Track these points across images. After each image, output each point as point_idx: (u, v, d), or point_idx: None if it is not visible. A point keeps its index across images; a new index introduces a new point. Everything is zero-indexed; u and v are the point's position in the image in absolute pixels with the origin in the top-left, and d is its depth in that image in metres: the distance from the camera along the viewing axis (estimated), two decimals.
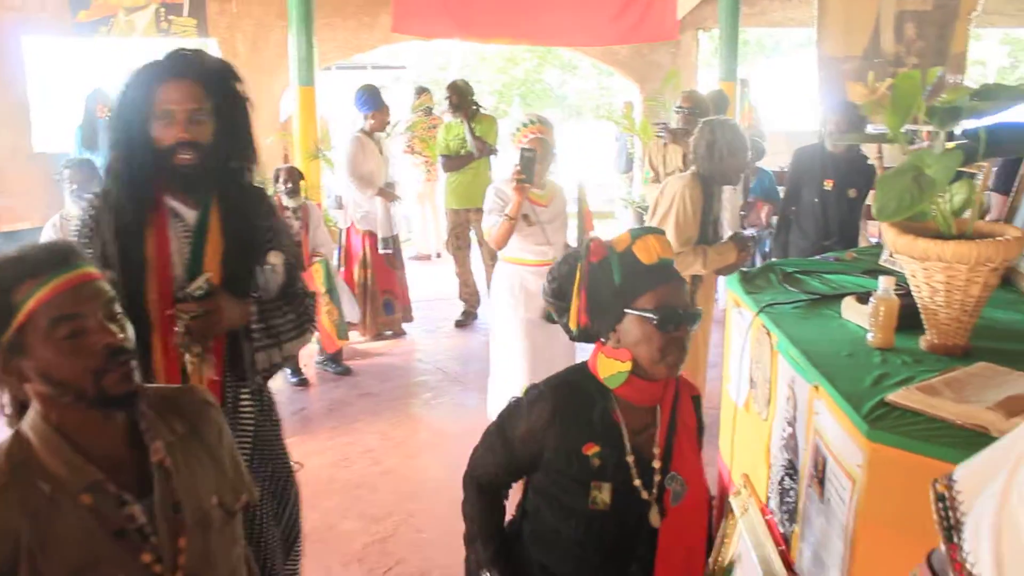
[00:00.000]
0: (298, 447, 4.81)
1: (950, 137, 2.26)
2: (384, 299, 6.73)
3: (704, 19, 10.36)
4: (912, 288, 2.20)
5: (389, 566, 3.69)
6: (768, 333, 2.53)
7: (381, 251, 6.55)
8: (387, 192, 6.50)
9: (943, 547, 1.06)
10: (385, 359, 6.54)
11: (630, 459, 1.91)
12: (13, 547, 1.37)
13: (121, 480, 1.46)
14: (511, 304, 4.29)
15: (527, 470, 2.01)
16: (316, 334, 5.96)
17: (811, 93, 8.07)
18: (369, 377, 6.08)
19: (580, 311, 1.94)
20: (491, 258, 6.40)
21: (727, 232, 4.50)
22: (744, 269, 3.46)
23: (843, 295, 2.64)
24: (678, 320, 1.86)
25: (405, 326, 6.99)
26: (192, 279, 2.23)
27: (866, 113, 5.06)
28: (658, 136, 6.91)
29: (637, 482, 1.90)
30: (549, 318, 4.24)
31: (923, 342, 2.24)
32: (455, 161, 7.17)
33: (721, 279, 4.44)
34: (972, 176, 2.57)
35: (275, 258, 2.39)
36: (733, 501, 2.71)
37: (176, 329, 2.18)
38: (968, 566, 0.99)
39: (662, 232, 1.97)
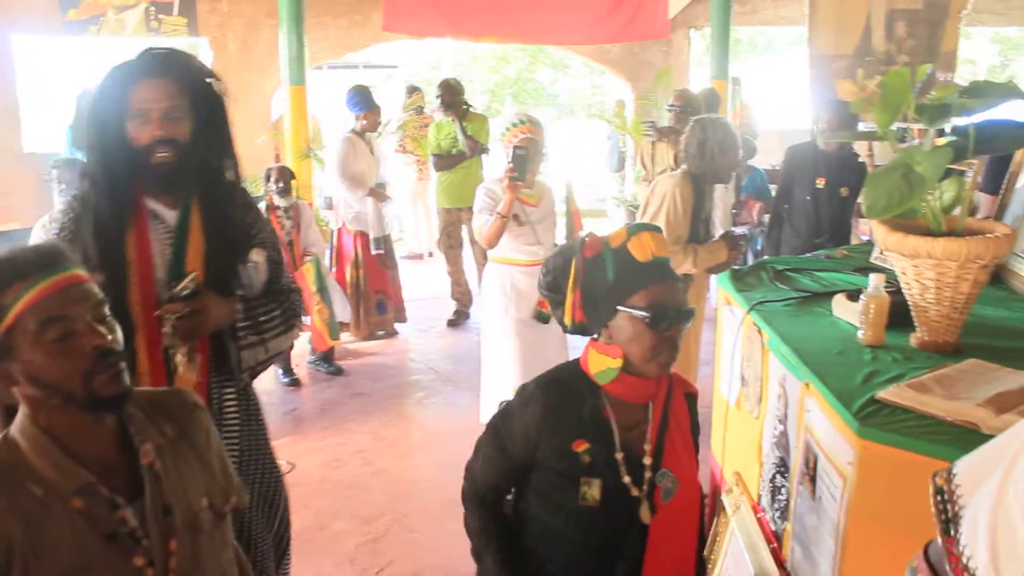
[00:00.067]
0: (290, 447, 4.81)
1: (940, 134, 2.27)
2: (376, 299, 6.72)
3: (696, 17, 10.37)
4: (902, 285, 2.20)
5: (381, 566, 3.68)
6: (759, 331, 2.53)
7: (373, 251, 6.54)
8: (378, 192, 6.49)
9: (940, 540, 1.06)
10: (377, 359, 6.53)
11: (619, 456, 1.90)
12: (6, 551, 1.36)
13: (112, 483, 1.45)
14: (502, 304, 4.28)
15: (526, 471, 2.00)
16: (308, 334, 5.98)
17: (803, 92, 8.07)
18: (361, 377, 6.07)
19: (575, 307, 1.93)
20: (483, 257, 6.39)
21: (719, 230, 4.50)
22: (735, 267, 3.47)
23: (834, 293, 2.64)
24: (670, 319, 1.85)
25: (397, 326, 6.98)
26: (174, 280, 2.21)
27: (856, 111, 5.06)
28: (645, 135, 6.91)
29: (626, 479, 1.90)
30: (540, 318, 4.27)
31: (913, 339, 2.24)
32: (447, 160, 7.16)
33: (713, 277, 4.45)
34: (962, 173, 2.57)
35: (257, 255, 2.37)
36: (725, 499, 2.71)
37: (164, 330, 2.16)
38: (964, 559, 1.00)
39: (659, 229, 1.96)
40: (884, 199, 2.06)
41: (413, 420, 5.39)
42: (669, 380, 2.02)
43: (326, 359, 6.13)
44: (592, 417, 1.92)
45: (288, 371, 5.91)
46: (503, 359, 4.29)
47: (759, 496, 2.51)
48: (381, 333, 6.89)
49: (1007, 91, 2.19)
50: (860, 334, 2.27)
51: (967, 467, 1.07)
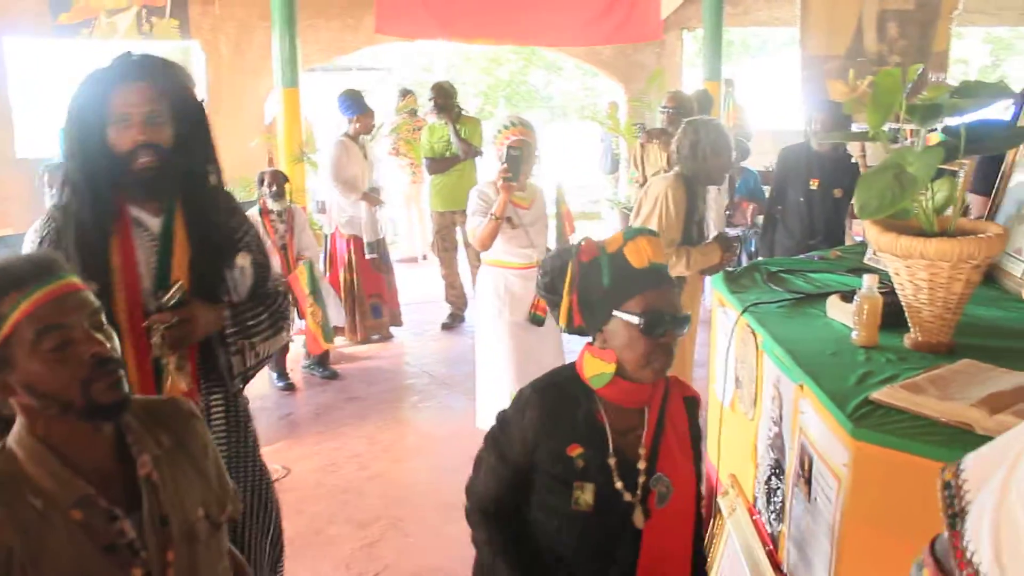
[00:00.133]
0: (285, 452, 4.80)
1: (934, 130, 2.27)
2: (371, 303, 6.71)
3: (688, 19, 10.39)
4: (896, 286, 2.20)
5: (377, 571, 3.68)
6: (753, 332, 2.53)
7: (367, 256, 6.53)
8: (371, 197, 6.48)
9: (947, 534, 1.07)
10: (372, 363, 6.52)
11: (612, 461, 1.89)
12: (5, 563, 1.35)
13: (110, 494, 1.44)
14: (496, 307, 4.28)
15: (527, 478, 1.98)
16: (303, 338, 5.97)
17: (796, 93, 8.10)
18: (356, 381, 6.06)
19: (572, 311, 1.93)
20: (477, 260, 6.39)
21: (712, 232, 4.50)
22: (729, 269, 3.47)
23: (827, 294, 2.64)
24: (665, 326, 1.84)
25: (392, 329, 6.97)
26: (160, 288, 2.18)
27: (848, 111, 5.07)
28: (635, 136, 6.94)
29: (619, 484, 1.89)
30: (534, 320, 4.27)
31: (907, 340, 2.24)
32: (440, 163, 7.16)
33: (707, 279, 4.45)
34: (954, 174, 2.58)
35: (242, 260, 2.35)
36: (721, 501, 2.71)
37: (152, 341, 2.15)
38: (969, 555, 1.00)
39: (655, 234, 1.94)
40: (876, 200, 2.06)
41: (408, 424, 5.38)
42: (666, 384, 2.01)
43: (321, 363, 6.12)
44: (586, 421, 1.92)
45: (283, 375, 5.90)
46: (498, 362, 4.28)
47: (755, 498, 2.51)
48: (376, 337, 6.88)
49: (998, 91, 2.20)
50: (854, 335, 2.28)
51: (975, 462, 1.08)
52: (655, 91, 8.62)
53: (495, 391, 4.27)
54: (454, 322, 7.33)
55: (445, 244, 7.26)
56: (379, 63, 15.04)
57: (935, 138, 2.14)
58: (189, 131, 2.24)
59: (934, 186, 2.14)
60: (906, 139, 5.64)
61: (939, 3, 7.95)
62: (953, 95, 2.15)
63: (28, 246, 2.29)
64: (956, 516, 1.06)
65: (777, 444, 2.30)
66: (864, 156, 5.57)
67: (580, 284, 1.90)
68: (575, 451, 1.89)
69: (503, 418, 2.01)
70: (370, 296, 6.67)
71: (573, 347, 2.10)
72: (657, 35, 9.11)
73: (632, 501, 1.89)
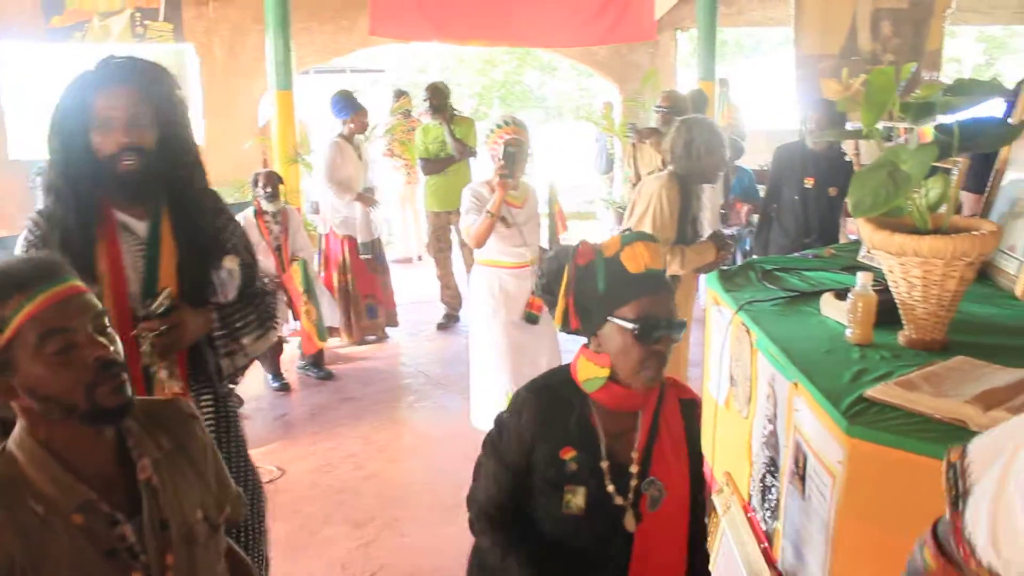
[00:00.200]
0: (280, 453, 4.80)
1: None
2: (366, 304, 6.70)
3: (682, 19, 10.40)
4: (889, 283, 2.20)
5: (372, 571, 3.67)
6: (748, 331, 2.53)
7: (361, 256, 6.52)
8: (365, 197, 6.48)
9: (948, 514, 1.10)
10: (367, 363, 6.51)
11: (604, 464, 1.89)
12: (7, 568, 1.35)
13: (111, 499, 1.44)
14: (491, 306, 4.28)
15: (526, 480, 1.96)
16: (299, 339, 5.96)
17: (790, 92, 8.10)
18: (351, 381, 6.06)
19: (568, 313, 1.92)
20: (473, 259, 6.39)
21: (707, 231, 4.50)
22: (724, 267, 3.47)
23: (822, 292, 2.64)
24: (659, 334, 1.83)
25: (388, 330, 6.96)
26: (148, 292, 2.17)
27: (842, 109, 5.08)
28: (627, 136, 6.94)
29: (610, 487, 1.88)
30: (529, 319, 4.27)
31: (901, 337, 2.24)
32: (435, 164, 7.16)
33: (702, 277, 4.45)
34: (948, 171, 2.58)
35: (230, 262, 2.34)
36: (715, 499, 2.71)
37: (142, 349, 2.14)
38: (967, 534, 1.04)
39: (654, 239, 1.93)
40: (870, 197, 2.06)
41: (403, 424, 5.38)
42: (661, 387, 1.99)
43: (316, 364, 6.11)
44: (579, 425, 1.91)
45: (278, 376, 5.89)
46: (493, 361, 4.28)
47: (749, 496, 2.51)
48: (372, 338, 6.87)
49: (991, 89, 2.20)
50: (848, 333, 2.27)
51: (981, 446, 1.10)
52: (649, 91, 8.62)
53: (490, 390, 4.28)
54: (449, 322, 7.33)
55: (440, 245, 7.26)
56: (373, 65, 15.03)
57: (929, 131, 2.14)
58: (173, 133, 2.22)
59: (928, 184, 2.14)
60: (900, 137, 5.65)
61: (932, 2, 7.96)
62: (946, 93, 2.15)
63: (19, 250, 2.28)
64: (959, 497, 1.08)
65: (772, 442, 2.30)
66: (858, 154, 5.58)
67: (576, 287, 1.89)
68: (568, 454, 1.89)
69: (499, 422, 2.00)
70: (365, 297, 6.66)
71: (570, 346, 2.09)
72: (651, 35, 9.11)
73: (623, 505, 1.88)
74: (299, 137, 7.16)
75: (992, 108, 2.13)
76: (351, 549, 3.84)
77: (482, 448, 2.04)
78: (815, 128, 5.05)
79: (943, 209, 2.19)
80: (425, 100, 7.21)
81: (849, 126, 5.27)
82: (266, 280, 2.56)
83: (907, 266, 2.09)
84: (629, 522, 1.87)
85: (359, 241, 6.49)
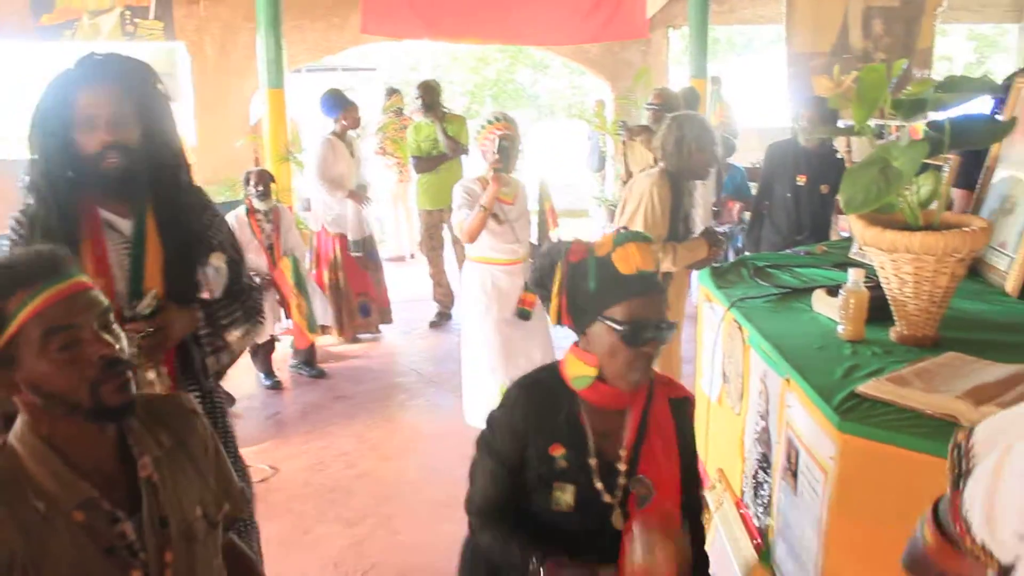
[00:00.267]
0: (272, 451, 4.79)
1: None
2: (359, 301, 6.69)
3: (674, 17, 10.41)
4: (881, 280, 2.21)
5: (365, 569, 3.67)
6: (740, 328, 2.54)
7: (352, 253, 6.51)
8: (357, 194, 6.47)
9: (949, 492, 1.15)
10: (359, 361, 6.51)
11: (592, 462, 1.88)
12: (7, 564, 1.33)
13: (112, 496, 1.43)
14: (484, 303, 4.28)
15: (522, 474, 1.95)
16: (291, 338, 5.95)
17: (782, 90, 8.12)
18: (343, 380, 6.05)
19: (562, 311, 1.91)
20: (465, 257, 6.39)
21: (699, 228, 4.50)
22: (716, 264, 3.48)
23: (814, 288, 2.65)
24: (648, 336, 1.82)
25: (381, 327, 6.95)
26: (134, 290, 2.15)
27: (834, 106, 5.09)
28: (617, 134, 6.95)
29: (599, 485, 1.88)
30: (522, 315, 4.27)
31: (893, 333, 2.25)
32: (428, 162, 7.15)
33: (694, 274, 4.46)
34: (939, 168, 2.59)
35: (217, 260, 2.32)
36: (708, 496, 2.71)
37: (129, 351, 2.13)
38: (964, 512, 1.10)
39: (648, 239, 1.91)
40: (862, 194, 2.07)
41: (396, 422, 5.37)
42: (650, 386, 1.98)
43: (308, 362, 6.10)
44: (568, 422, 1.90)
45: (270, 375, 5.88)
46: (486, 358, 4.28)
47: (742, 492, 2.52)
48: (368, 337, 6.86)
49: (981, 86, 2.21)
50: (840, 329, 2.28)
51: (987, 429, 1.13)
52: (641, 89, 8.63)
53: (483, 387, 4.28)
54: (442, 320, 7.32)
55: (433, 243, 7.26)
56: (365, 63, 15.01)
57: (920, 128, 2.15)
58: (156, 130, 2.20)
59: (919, 180, 2.15)
60: (891, 135, 5.67)
61: (924, 0, 8.00)
62: (937, 90, 2.16)
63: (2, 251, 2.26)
64: (961, 476, 1.12)
65: (764, 438, 2.31)
66: (849, 151, 5.60)
67: (568, 284, 1.89)
68: (557, 451, 1.88)
69: (491, 419, 2.00)
70: (358, 295, 6.65)
71: (564, 342, 2.09)
72: (643, 33, 9.12)
73: (611, 503, 1.88)
74: (290, 135, 7.14)
75: (980, 106, 2.14)
76: (344, 547, 3.84)
77: (476, 448, 2.03)
78: (808, 125, 5.06)
79: (934, 206, 2.20)
80: (417, 98, 7.20)
81: (841, 124, 5.28)
82: (256, 278, 2.54)
83: (899, 262, 2.10)
84: (617, 520, 1.86)
85: (350, 239, 6.48)
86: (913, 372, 1.93)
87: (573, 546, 1.87)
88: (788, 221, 5.18)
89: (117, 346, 1.42)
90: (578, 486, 1.88)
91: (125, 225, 2.21)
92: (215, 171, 8.13)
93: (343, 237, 6.48)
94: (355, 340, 6.79)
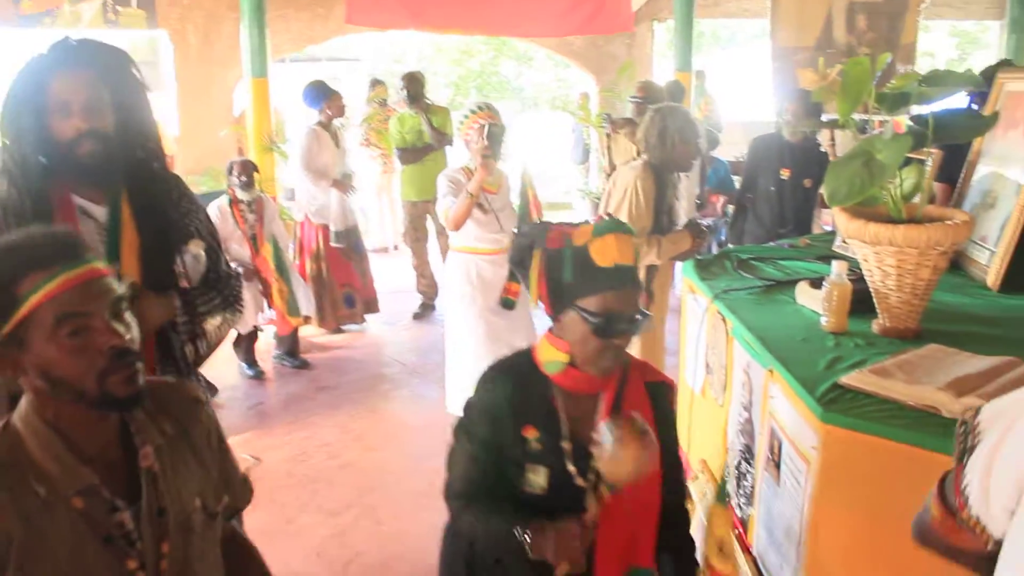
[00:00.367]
0: (255, 442, 4.78)
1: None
2: (343, 292, 6.66)
3: (659, 10, 10.42)
4: (864, 272, 2.23)
5: (349, 559, 3.67)
6: (723, 319, 2.55)
7: (333, 244, 6.48)
8: (342, 183, 6.44)
9: (953, 468, 1.20)
10: (343, 352, 6.49)
11: (566, 445, 1.89)
12: (4, 550, 1.32)
13: (112, 484, 1.42)
14: (468, 293, 4.28)
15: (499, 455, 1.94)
16: (273, 328, 5.93)
17: (766, 84, 8.15)
18: (327, 371, 6.04)
19: (542, 297, 1.92)
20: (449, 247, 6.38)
21: (683, 220, 4.51)
22: (700, 256, 3.49)
23: (797, 281, 2.66)
24: (618, 330, 1.82)
25: (367, 316, 6.92)
26: None
27: (818, 99, 5.12)
28: (601, 127, 6.96)
29: (571, 468, 1.88)
30: (506, 304, 4.27)
31: (875, 325, 2.27)
32: (412, 153, 7.14)
33: (678, 266, 4.47)
34: (922, 162, 2.60)
35: (196, 247, 2.30)
36: (691, 486, 2.73)
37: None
38: (963, 485, 1.15)
39: (629, 231, 1.91)
40: (845, 186, 2.09)
41: (379, 413, 5.36)
42: (625, 370, 1.98)
43: (291, 353, 6.08)
44: (541, 405, 1.91)
45: (253, 365, 5.86)
46: (471, 347, 4.28)
47: (724, 481, 2.53)
48: (354, 328, 6.84)
49: (964, 80, 2.22)
50: (823, 321, 2.30)
51: (992, 409, 1.18)
52: (626, 82, 8.64)
53: (467, 376, 4.27)
54: (425, 312, 7.32)
55: (417, 234, 7.24)
56: (350, 53, 14.95)
57: (903, 123, 2.16)
58: (131, 116, 2.18)
59: (902, 174, 2.17)
60: (875, 129, 5.69)
61: None
62: (921, 84, 2.17)
63: None
64: (965, 452, 1.17)
65: (747, 429, 2.32)
66: (833, 145, 5.62)
67: (544, 269, 1.89)
68: (531, 433, 1.89)
69: (468, 405, 2.00)
70: (341, 285, 6.62)
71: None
72: (628, 26, 9.14)
73: (584, 486, 1.88)
74: (274, 125, 7.10)
75: (956, 101, 2.16)
76: (326, 537, 3.83)
77: (453, 436, 2.03)
78: (792, 119, 5.08)
79: (917, 199, 2.22)
80: (402, 89, 7.18)
81: (825, 118, 5.31)
82: (237, 267, 2.51)
83: (881, 255, 2.11)
84: (590, 503, 1.85)
85: (332, 230, 6.44)
86: (895, 364, 1.95)
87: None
88: (771, 215, 5.21)
89: (128, 336, 1.40)
90: (551, 469, 1.88)
91: (100, 212, 2.18)
92: (198, 161, 8.09)
93: (326, 228, 6.45)
94: (338, 331, 6.77)
